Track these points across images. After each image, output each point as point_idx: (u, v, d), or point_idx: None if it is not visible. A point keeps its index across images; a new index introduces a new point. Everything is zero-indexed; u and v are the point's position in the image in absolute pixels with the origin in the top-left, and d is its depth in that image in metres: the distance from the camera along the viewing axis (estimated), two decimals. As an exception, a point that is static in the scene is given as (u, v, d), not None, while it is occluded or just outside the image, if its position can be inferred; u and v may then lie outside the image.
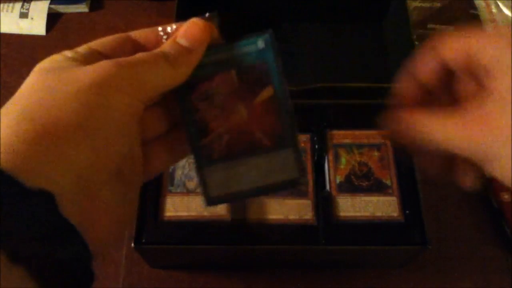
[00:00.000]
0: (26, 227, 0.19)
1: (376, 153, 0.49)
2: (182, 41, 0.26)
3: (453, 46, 0.27)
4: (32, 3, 0.69)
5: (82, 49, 0.26)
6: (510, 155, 0.24)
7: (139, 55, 0.25)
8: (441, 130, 0.27)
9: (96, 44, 0.27)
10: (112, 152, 0.23)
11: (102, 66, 0.24)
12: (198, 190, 0.47)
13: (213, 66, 0.27)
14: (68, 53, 0.26)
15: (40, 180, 0.20)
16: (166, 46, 0.26)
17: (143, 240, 0.45)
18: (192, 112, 0.28)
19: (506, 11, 0.67)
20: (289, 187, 0.29)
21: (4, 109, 0.23)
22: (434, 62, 0.29)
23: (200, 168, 0.28)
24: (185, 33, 0.26)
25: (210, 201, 0.28)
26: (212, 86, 0.28)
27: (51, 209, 0.20)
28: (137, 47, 0.27)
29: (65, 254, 0.20)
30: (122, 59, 0.24)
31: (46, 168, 0.21)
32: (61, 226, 0.20)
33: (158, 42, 0.27)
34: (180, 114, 0.28)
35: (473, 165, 0.28)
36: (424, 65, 0.29)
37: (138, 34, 0.28)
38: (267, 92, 0.27)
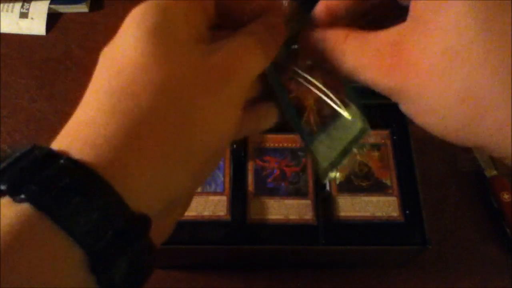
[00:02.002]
0: (117, 254, 0.18)
1: (376, 153, 0.49)
2: (272, 21, 0.24)
3: None
4: (32, 3, 0.69)
5: (195, 14, 0.22)
6: (423, 94, 0.21)
7: (233, 44, 0.22)
8: (352, 54, 0.23)
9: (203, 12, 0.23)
10: (207, 173, 0.22)
11: (205, 64, 0.21)
12: (198, 190, 0.47)
13: (292, 42, 0.27)
14: (184, 16, 0.22)
15: (140, 203, 0.19)
16: (256, 29, 0.24)
17: (143, 240, 0.45)
18: (286, 94, 0.27)
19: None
20: (363, 137, 0.30)
21: (102, 88, 0.20)
22: None
23: (309, 146, 0.28)
24: (273, 14, 0.25)
25: (324, 174, 0.29)
26: (295, 62, 0.28)
27: (144, 234, 0.19)
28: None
29: (140, 277, 0.20)
30: (220, 55, 0.22)
31: (149, 188, 0.19)
32: (146, 248, 0.20)
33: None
34: (276, 96, 0.27)
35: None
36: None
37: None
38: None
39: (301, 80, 0.28)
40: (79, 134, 0.19)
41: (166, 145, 0.20)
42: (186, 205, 0.25)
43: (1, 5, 0.68)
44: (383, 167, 0.48)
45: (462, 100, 0.19)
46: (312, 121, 0.29)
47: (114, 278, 0.18)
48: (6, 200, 0.17)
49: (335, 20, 0.25)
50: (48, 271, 0.17)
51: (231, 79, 0.22)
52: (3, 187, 0.17)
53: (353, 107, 0.29)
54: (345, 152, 0.29)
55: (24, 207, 0.17)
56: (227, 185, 0.48)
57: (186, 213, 0.46)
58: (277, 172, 0.48)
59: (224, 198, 0.47)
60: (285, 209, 0.47)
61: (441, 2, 0.20)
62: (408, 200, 0.47)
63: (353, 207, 0.47)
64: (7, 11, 0.68)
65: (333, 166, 0.29)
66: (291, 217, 0.46)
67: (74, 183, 0.18)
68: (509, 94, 0.19)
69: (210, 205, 0.47)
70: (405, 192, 0.47)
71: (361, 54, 0.23)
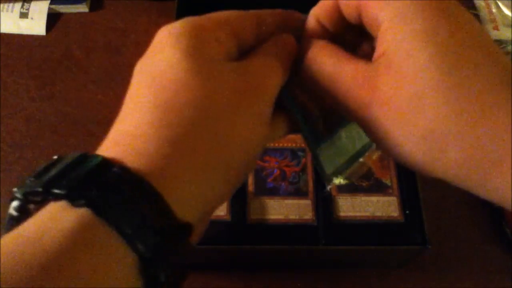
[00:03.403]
0: (163, 258, 0.19)
1: (376, 153, 0.49)
2: (287, 38, 0.26)
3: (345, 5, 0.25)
4: (32, 3, 0.69)
5: (225, 35, 0.24)
6: (393, 131, 0.22)
7: (257, 63, 0.24)
8: (325, 64, 0.24)
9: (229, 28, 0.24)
10: (240, 182, 0.24)
11: (231, 84, 0.22)
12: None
13: None
14: (214, 37, 0.23)
15: (184, 212, 0.20)
16: (278, 49, 0.25)
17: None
18: (293, 99, 0.28)
19: (506, 11, 0.67)
20: (369, 150, 0.31)
21: (148, 102, 0.21)
22: (331, 9, 0.26)
23: (313, 150, 0.29)
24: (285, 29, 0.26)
25: (329, 179, 0.29)
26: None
27: (186, 241, 0.21)
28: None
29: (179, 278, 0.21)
30: (245, 74, 0.23)
31: (192, 198, 0.21)
32: (187, 255, 0.21)
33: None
34: (286, 103, 0.27)
35: None
36: (323, 10, 0.26)
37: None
38: None
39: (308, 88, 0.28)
40: (128, 144, 0.21)
41: (207, 157, 0.21)
42: (215, 210, 0.26)
43: (1, 5, 0.68)
44: (383, 167, 0.48)
45: (425, 138, 0.22)
46: (318, 127, 0.29)
47: (160, 280, 0.19)
48: (64, 204, 0.18)
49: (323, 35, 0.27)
50: (105, 273, 0.18)
51: (261, 97, 0.23)
52: (62, 192, 0.18)
53: None
54: (351, 161, 0.29)
55: (84, 212, 0.18)
56: (227, 185, 0.48)
57: (186, 213, 0.46)
58: (277, 172, 0.48)
59: (224, 198, 0.47)
60: (285, 209, 0.47)
61: (411, 48, 0.21)
62: (408, 200, 0.47)
63: (353, 207, 0.47)
64: (7, 11, 0.68)
65: (338, 173, 0.30)
66: (291, 217, 0.46)
67: (130, 191, 0.19)
68: (465, 136, 0.21)
69: (210, 205, 0.47)
70: (405, 192, 0.47)
71: (334, 70, 0.24)
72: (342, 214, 0.46)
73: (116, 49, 0.65)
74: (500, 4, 0.68)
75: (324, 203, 0.47)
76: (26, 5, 0.68)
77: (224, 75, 0.22)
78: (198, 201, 0.21)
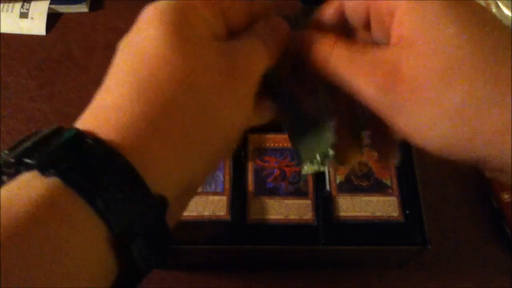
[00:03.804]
0: (138, 234, 0.19)
1: (376, 153, 0.49)
2: (274, 22, 0.26)
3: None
4: (32, 3, 0.69)
5: (212, 14, 0.23)
6: (420, 112, 0.22)
7: (242, 46, 0.24)
8: (339, 61, 0.24)
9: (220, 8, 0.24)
10: (219, 162, 0.24)
11: (217, 66, 0.22)
12: (198, 190, 0.47)
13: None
14: (201, 15, 0.23)
15: (159, 187, 0.20)
16: (265, 32, 0.25)
17: (143, 240, 0.45)
18: (280, 84, 0.28)
19: (506, 11, 0.67)
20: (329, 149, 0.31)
21: (128, 76, 0.21)
22: (335, 10, 0.26)
23: (293, 136, 0.29)
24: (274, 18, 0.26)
25: (303, 164, 0.29)
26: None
27: (160, 216, 0.20)
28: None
29: (158, 257, 0.20)
30: (230, 56, 0.23)
31: (169, 173, 0.21)
32: (162, 233, 0.21)
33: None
34: (272, 87, 0.28)
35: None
36: (327, 12, 0.26)
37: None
38: None
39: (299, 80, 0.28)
40: (105, 117, 0.21)
41: (186, 134, 0.21)
42: (194, 191, 0.26)
43: (1, 5, 0.68)
44: (383, 167, 0.48)
45: (458, 115, 0.20)
46: (304, 114, 0.29)
47: (132, 255, 0.19)
48: (34, 174, 0.18)
49: (333, 27, 0.26)
50: (74, 242, 0.18)
51: (244, 79, 0.23)
52: (33, 162, 0.18)
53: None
54: (325, 155, 0.29)
55: (55, 181, 0.18)
56: (227, 185, 0.48)
57: (186, 213, 0.46)
58: (277, 172, 0.48)
59: (224, 198, 0.47)
60: (285, 209, 0.47)
61: (435, 24, 0.21)
62: (408, 200, 0.47)
63: (353, 207, 0.47)
64: (7, 11, 0.68)
65: (314, 161, 0.30)
66: (291, 217, 0.46)
67: (103, 163, 0.19)
68: (505, 103, 0.20)
69: (210, 205, 0.47)
70: (405, 192, 0.47)
71: (351, 64, 0.24)
72: (342, 214, 0.46)
73: (116, 49, 0.65)
74: (500, 4, 0.68)
75: (324, 203, 0.47)
76: (26, 5, 0.68)
77: (208, 54, 0.22)
78: (174, 178, 0.21)
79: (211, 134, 0.22)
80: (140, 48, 0.22)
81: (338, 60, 0.24)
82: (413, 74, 0.21)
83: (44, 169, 0.18)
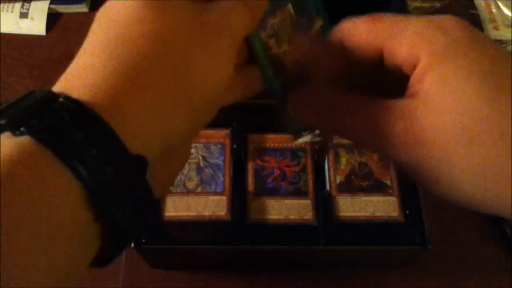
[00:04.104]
0: (117, 192, 0.19)
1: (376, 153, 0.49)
2: None
3: (363, 38, 0.25)
4: (32, 3, 0.68)
5: None
6: (445, 169, 0.22)
7: (223, 4, 0.24)
8: (364, 126, 0.24)
9: None
10: (201, 121, 0.23)
11: (198, 20, 0.22)
12: (198, 190, 0.47)
13: (273, 1, 0.28)
14: None
15: (138, 143, 0.20)
16: None
17: (143, 240, 0.45)
18: (265, 50, 0.28)
19: (506, 11, 0.67)
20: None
21: (102, 37, 0.21)
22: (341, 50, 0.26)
23: (281, 105, 0.29)
24: None
25: (297, 133, 0.29)
26: (276, 21, 0.28)
27: (141, 176, 0.20)
28: None
29: (138, 220, 0.20)
30: (211, 15, 0.23)
31: (145, 131, 0.20)
32: (143, 194, 0.20)
33: None
34: (255, 53, 0.27)
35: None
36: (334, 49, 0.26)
37: None
38: (318, 23, 0.29)
39: (285, 40, 0.28)
40: (78, 77, 0.21)
41: (161, 89, 0.21)
42: (182, 158, 0.26)
43: (1, 5, 0.68)
44: (383, 167, 0.48)
45: (484, 171, 0.21)
46: (288, 82, 0.29)
47: (113, 216, 0.19)
48: (7, 134, 0.18)
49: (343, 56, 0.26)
50: (46, 200, 0.17)
51: (222, 35, 0.23)
52: (3, 122, 0.18)
53: None
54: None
55: (24, 139, 0.18)
56: (227, 185, 0.48)
57: (186, 213, 0.46)
58: (277, 172, 0.48)
59: (224, 198, 0.47)
60: (285, 209, 0.47)
61: (449, 86, 0.21)
62: (408, 200, 0.47)
63: (353, 207, 0.47)
64: (7, 11, 0.68)
65: (307, 128, 0.29)
66: (291, 217, 0.46)
67: (73, 120, 0.18)
68: None
69: (210, 205, 0.47)
70: (405, 192, 0.47)
71: (373, 125, 0.24)
72: (342, 214, 0.46)
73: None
74: (500, 4, 0.68)
75: (324, 203, 0.47)
76: (26, 5, 0.68)
77: (183, 10, 0.22)
78: (153, 135, 0.21)
79: (188, 89, 0.22)
80: (114, 10, 0.22)
81: (364, 124, 0.24)
82: (434, 132, 0.22)
83: (14, 128, 0.18)
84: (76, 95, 0.19)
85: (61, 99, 0.19)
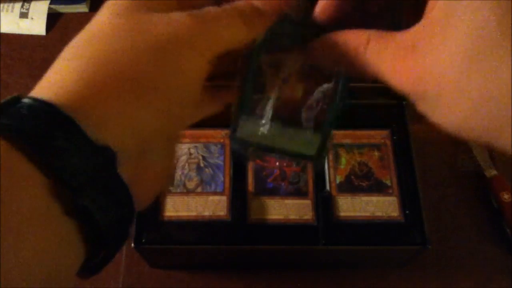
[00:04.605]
0: (85, 182, 0.19)
1: (376, 153, 0.49)
2: (257, 3, 0.25)
3: None
4: (32, 3, 0.68)
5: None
6: (442, 97, 0.21)
7: (213, 10, 0.24)
8: (373, 60, 0.23)
9: None
10: (175, 117, 0.23)
11: (179, 20, 0.23)
12: (198, 190, 0.47)
13: (292, 38, 0.28)
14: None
15: (105, 135, 0.20)
16: (240, 4, 0.25)
17: (143, 240, 0.45)
18: (256, 71, 0.28)
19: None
20: (300, 160, 0.31)
21: (73, 46, 0.22)
22: None
23: (238, 114, 0.29)
24: None
25: (236, 140, 0.29)
26: (286, 58, 0.28)
27: (111, 168, 0.20)
28: None
29: (115, 215, 0.20)
30: (197, 13, 0.23)
31: (112, 123, 0.21)
32: (117, 187, 0.20)
33: None
34: (244, 69, 0.27)
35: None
36: None
37: None
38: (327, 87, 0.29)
39: (283, 78, 0.28)
40: (45, 80, 0.22)
41: (131, 83, 0.21)
42: (166, 157, 0.25)
43: (1, 5, 0.68)
44: (383, 167, 0.48)
45: (484, 101, 0.20)
46: (259, 106, 0.29)
47: (83, 207, 0.19)
48: None
49: (342, 18, 0.26)
50: (12, 192, 0.17)
51: (204, 38, 0.23)
52: None
53: (317, 135, 0.29)
54: (272, 150, 0.29)
55: None
56: (227, 185, 0.48)
57: (186, 213, 0.46)
58: (277, 172, 0.48)
59: (224, 198, 0.47)
60: (285, 209, 0.47)
61: (458, 3, 0.20)
62: (408, 200, 0.47)
63: (353, 207, 0.47)
64: (7, 11, 0.68)
65: (249, 145, 0.30)
66: (291, 217, 0.46)
67: (33, 114, 0.19)
68: None
69: (210, 205, 0.47)
70: (405, 192, 0.47)
71: (381, 59, 0.23)
72: (342, 214, 0.46)
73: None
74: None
75: (324, 203, 0.47)
76: (26, 5, 0.68)
77: (145, 21, 0.22)
78: (122, 128, 0.21)
79: (160, 84, 0.22)
80: (91, 24, 0.23)
81: (373, 58, 0.24)
82: (434, 57, 0.21)
83: None
84: (40, 95, 0.20)
85: (25, 100, 0.20)
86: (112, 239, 0.20)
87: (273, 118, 0.28)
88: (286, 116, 0.29)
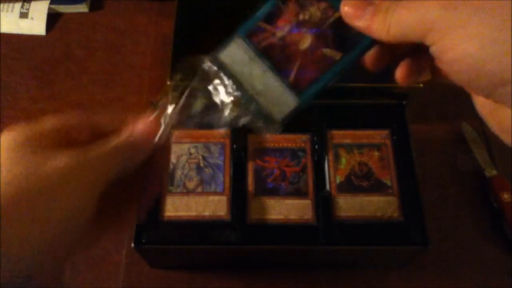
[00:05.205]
0: None
1: (376, 153, 0.49)
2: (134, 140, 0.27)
3: None
4: (32, 3, 0.69)
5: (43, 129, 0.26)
6: (447, 33, 0.23)
7: (102, 149, 0.26)
8: (394, 14, 0.25)
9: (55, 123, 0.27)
10: (60, 246, 0.25)
11: (64, 160, 0.24)
12: (198, 190, 0.47)
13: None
14: (29, 133, 0.26)
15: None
16: (121, 143, 0.27)
17: (143, 240, 0.45)
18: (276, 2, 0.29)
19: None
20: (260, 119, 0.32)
21: None
22: None
23: (234, 34, 0.29)
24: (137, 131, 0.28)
25: (215, 59, 0.29)
26: (312, 3, 0.29)
27: None
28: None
29: None
30: (86, 154, 0.25)
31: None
32: None
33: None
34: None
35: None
36: None
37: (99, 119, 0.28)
38: (336, 56, 0.29)
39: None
40: None
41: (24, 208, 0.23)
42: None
43: (1, 5, 0.68)
44: (383, 167, 0.48)
45: (488, 36, 0.22)
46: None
47: None
48: None
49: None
50: None
51: (87, 177, 0.25)
52: None
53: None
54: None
55: None
56: (227, 185, 0.48)
57: (186, 213, 0.46)
58: (277, 172, 0.48)
59: (224, 198, 0.47)
60: (285, 209, 0.47)
61: None
62: (408, 200, 0.47)
63: (353, 207, 0.47)
64: (7, 11, 0.68)
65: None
66: (291, 217, 0.46)
67: None
68: None
69: (210, 205, 0.47)
70: (405, 192, 0.47)
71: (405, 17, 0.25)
72: (342, 214, 0.46)
73: (116, 49, 0.65)
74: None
75: (324, 203, 0.47)
76: (26, 5, 0.68)
77: (46, 154, 0.24)
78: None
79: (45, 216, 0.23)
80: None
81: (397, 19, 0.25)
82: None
83: None
84: None
85: None
86: None
87: (265, 55, 0.29)
88: (277, 61, 0.29)
